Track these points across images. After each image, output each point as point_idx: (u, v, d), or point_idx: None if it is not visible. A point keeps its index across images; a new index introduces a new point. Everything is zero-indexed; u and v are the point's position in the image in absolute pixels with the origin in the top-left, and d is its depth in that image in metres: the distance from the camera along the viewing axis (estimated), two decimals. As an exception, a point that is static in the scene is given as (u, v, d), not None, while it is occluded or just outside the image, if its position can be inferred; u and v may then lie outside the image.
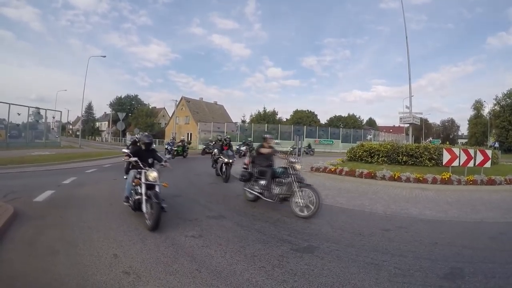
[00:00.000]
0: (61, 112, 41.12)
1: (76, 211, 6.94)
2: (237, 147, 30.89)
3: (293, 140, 28.21)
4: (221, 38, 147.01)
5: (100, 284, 3.56)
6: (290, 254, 4.72)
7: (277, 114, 71.90)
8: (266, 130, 50.31)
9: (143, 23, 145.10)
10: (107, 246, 4.78)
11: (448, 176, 12.22)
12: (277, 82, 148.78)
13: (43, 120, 35.66)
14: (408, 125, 24.21)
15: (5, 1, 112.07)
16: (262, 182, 8.00)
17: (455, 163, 12.84)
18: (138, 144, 7.64)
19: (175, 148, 25.92)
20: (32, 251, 4.50)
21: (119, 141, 57.42)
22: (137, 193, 6.28)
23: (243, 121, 67.70)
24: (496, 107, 64.94)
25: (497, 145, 48.58)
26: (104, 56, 57.30)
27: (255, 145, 15.87)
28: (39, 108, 35.77)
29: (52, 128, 40.30)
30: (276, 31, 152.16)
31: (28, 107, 32.37)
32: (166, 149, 27.86)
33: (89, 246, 4.79)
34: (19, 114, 30.98)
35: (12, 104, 29.12)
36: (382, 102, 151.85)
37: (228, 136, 16.62)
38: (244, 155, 13.95)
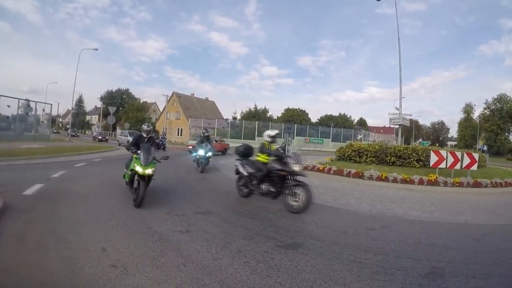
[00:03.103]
0: (51, 105, 40.79)
1: (65, 205, 6.96)
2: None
3: (283, 138, 28.06)
4: (219, 36, 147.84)
5: (88, 277, 3.62)
6: (275, 250, 4.83)
7: (268, 112, 71.93)
8: (256, 127, 50.40)
9: (142, 18, 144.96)
10: (96, 240, 4.83)
11: (434, 177, 12.41)
12: (271, 81, 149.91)
13: (33, 113, 35.33)
14: (398, 126, 24.42)
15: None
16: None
17: (442, 165, 13.04)
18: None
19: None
20: (21, 245, 4.53)
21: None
22: None
23: (234, 118, 67.65)
24: (486, 111, 65.94)
25: (485, 148, 48.88)
26: (96, 49, 57.06)
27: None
28: (29, 100, 35.36)
29: (42, 121, 39.91)
30: (274, 31, 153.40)
31: (18, 99, 32.09)
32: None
33: (78, 240, 4.83)
34: (8, 106, 30.78)
35: (1, 95, 28.90)
36: (374, 103, 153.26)
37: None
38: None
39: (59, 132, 61.84)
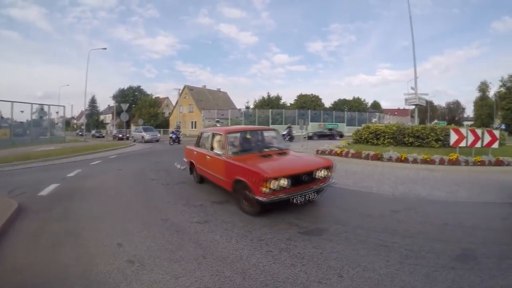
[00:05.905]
0: (64, 107, 41.15)
1: (81, 202, 6.93)
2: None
3: (297, 124, 27.72)
4: (228, 27, 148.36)
5: (103, 274, 3.51)
6: (298, 237, 4.63)
7: (281, 99, 71.43)
8: (270, 115, 50.23)
9: (150, 16, 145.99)
10: (112, 235, 4.74)
11: (455, 156, 12.03)
12: (283, 68, 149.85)
13: (47, 117, 35.71)
14: (414, 106, 23.99)
15: (11, 2, 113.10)
16: None
17: (463, 144, 12.65)
18: None
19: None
20: (36, 244, 4.49)
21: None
22: None
23: (247, 107, 67.42)
24: (502, 89, 63.91)
25: (503, 127, 47.83)
26: (105, 49, 57.02)
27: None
28: (42, 104, 35.68)
29: (57, 124, 40.26)
30: (283, 18, 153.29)
31: (31, 103, 32.43)
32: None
33: (94, 236, 4.76)
34: (22, 112, 31.04)
35: (14, 102, 29.13)
36: (387, 86, 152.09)
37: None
38: None
39: (85, 135, 62.24)
